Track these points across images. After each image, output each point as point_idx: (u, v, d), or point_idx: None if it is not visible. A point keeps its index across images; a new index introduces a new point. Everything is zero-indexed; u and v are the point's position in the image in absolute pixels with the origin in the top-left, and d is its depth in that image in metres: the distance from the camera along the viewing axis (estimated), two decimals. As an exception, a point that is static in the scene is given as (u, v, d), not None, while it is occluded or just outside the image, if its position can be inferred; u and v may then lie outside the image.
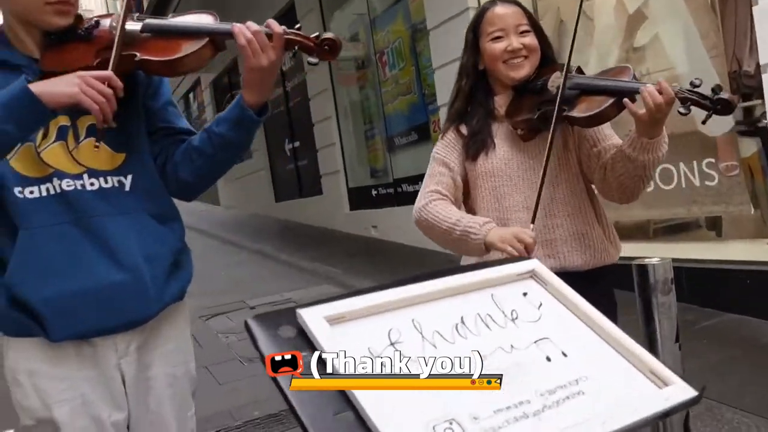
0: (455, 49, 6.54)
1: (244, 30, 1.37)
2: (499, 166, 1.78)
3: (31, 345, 1.40)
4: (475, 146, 1.80)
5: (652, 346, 1.94)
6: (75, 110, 1.37)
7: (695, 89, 1.57)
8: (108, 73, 1.31)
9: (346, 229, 8.85)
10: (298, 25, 1.43)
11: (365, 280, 5.76)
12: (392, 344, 0.89)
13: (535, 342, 0.95)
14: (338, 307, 0.91)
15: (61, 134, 1.41)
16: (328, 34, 1.43)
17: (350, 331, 0.90)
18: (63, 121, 1.41)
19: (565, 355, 0.95)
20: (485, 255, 1.66)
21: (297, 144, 11.42)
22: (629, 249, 5.39)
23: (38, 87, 1.26)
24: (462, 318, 0.96)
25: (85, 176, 1.41)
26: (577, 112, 1.68)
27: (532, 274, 1.09)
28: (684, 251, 4.79)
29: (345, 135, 9.40)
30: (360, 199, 8.95)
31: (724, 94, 1.55)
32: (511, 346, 0.94)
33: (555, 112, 1.64)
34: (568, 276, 1.68)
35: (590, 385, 0.90)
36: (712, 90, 1.56)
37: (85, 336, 1.41)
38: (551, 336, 0.97)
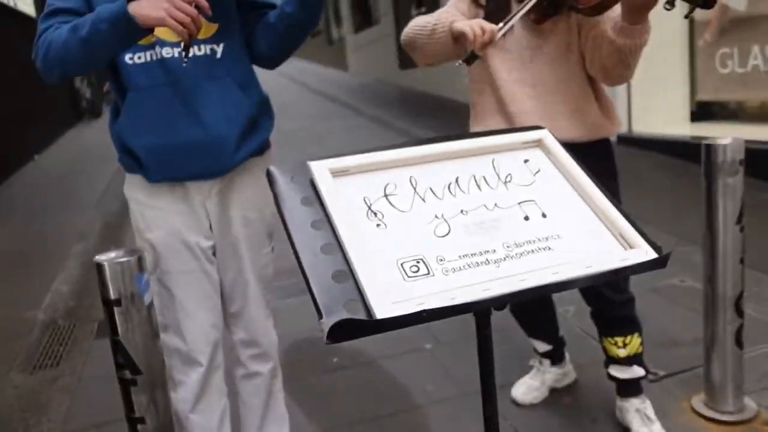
0: None
1: None
2: (512, 44, 1.82)
3: (137, 180, 1.69)
4: (494, 19, 1.74)
5: (710, 225, 1.96)
6: None
7: None
8: None
9: (464, 98, 8.80)
10: None
11: (473, 151, 5.82)
12: (385, 196, 1.03)
13: (519, 203, 1.06)
14: (343, 161, 1.06)
15: None
16: None
17: (352, 183, 1.05)
18: None
19: (544, 216, 1.05)
20: (454, 50, 1.78)
21: (423, 10, 11.17)
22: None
23: (132, 8, 1.41)
24: (457, 178, 1.08)
25: (183, 44, 1.57)
26: (582, 4, 1.68)
27: (539, 144, 1.18)
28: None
29: (469, 0, 9.07)
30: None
31: None
32: (495, 205, 1.05)
33: None
34: (568, 146, 1.75)
35: (559, 243, 1.01)
36: None
37: (174, 179, 1.66)
38: (537, 199, 1.07)
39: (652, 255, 0.98)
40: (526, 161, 1.14)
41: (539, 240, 1.00)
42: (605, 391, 2.16)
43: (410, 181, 1.06)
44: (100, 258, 1.53)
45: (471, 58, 1.69)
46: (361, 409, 2.34)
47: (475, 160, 1.12)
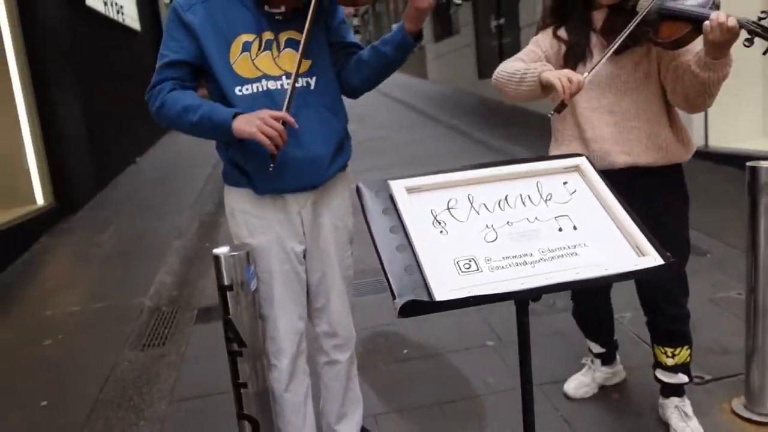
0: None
1: None
2: (597, 69, 1.97)
3: (244, 193, 1.99)
4: (575, 57, 2.02)
5: (754, 240, 2.14)
6: (277, 27, 1.87)
7: (760, 22, 1.66)
8: (282, 113, 1.73)
9: (540, 109, 8.94)
10: None
11: (546, 162, 5.99)
12: (448, 209, 1.32)
13: (555, 217, 1.32)
14: (416, 181, 1.36)
15: (268, 45, 1.91)
16: None
17: (422, 198, 1.34)
18: (268, 35, 1.89)
19: (575, 228, 1.31)
20: (542, 95, 1.94)
21: (502, 21, 11.35)
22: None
23: (236, 122, 1.74)
24: (506, 196, 1.36)
25: (284, 77, 1.87)
26: (661, 38, 1.85)
27: (577, 169, 1.43)
28: None
29: (549, 13, 9.23)
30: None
31: None
32: (536, 218, 1.32)
33: (625, 32, 1.84)
34: (641, 170, 1.94)
35: (585, 251, 1.26)
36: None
37: (278, 192, 1.96)
38: (571, 214, 1.33)
39: (660, 262, 1.22)
40: (565, 183, 1.40)
41: (569, 247, 1.26)
42: (652, 391, 2.35)
43: (468, 197, 1.35)
44: (217, 251, 1.88)
45: (560, 108, 1.87)
46: (426, 395, 2.62)
47: (523, 181, 1.39)
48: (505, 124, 8.75)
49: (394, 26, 1.93)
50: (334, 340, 2.16)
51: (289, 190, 1.95)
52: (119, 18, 8.67)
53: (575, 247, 1.27)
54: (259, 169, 1.89)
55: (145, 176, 7.92)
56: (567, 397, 2.47)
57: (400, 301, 1.13)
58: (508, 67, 2.07)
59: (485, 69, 12.31)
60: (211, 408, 2.72)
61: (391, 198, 1.34)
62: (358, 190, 1.39)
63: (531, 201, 1.36)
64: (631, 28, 1.83)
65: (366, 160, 6.36)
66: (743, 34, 1.71)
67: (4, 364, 3.35)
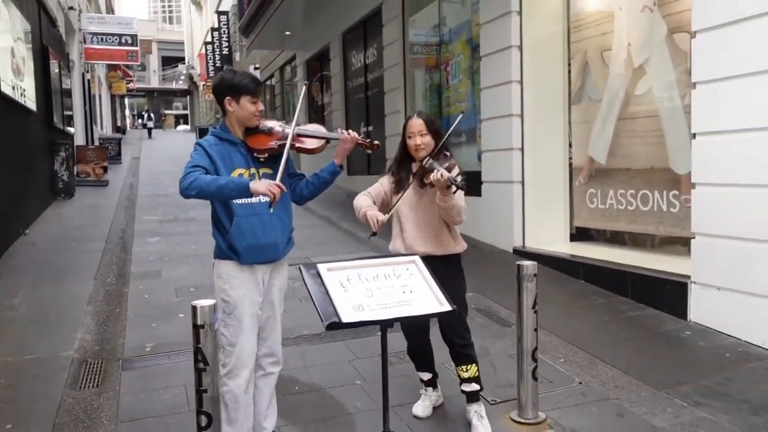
0: (498, 75, 8.23)
1: (347, 136, 3.11)
2: (408, 196, 3.41)
3: (231, 263, 3.07)
4: (398, 187, 3.44)
5: (519, 309, 3.55)
6: (258, 164, 3.07)
7: (456, 178, 3.11)
8: (280, 183, 2.78)
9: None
10: (363, 135, 3.15)
11: (403, 253, 7.40)
12: (348, 279, 2.57)
13: (402, 285, 2.60)
14: (332, 265, 2.60)
15: (252, 176, 3.07)
16: (376, 142, 3.21)
17: (335, 274, 2.58)
18: (253, 170, 3.07)
19: (411, 291, 2.59)
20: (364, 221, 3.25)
21: (371, 128, 13.10)
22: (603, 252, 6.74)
23: (251, 185, 2.80)
24: (377, 274, 2.63)
25: (260, 197, 2.95)
26: (429, 180, 3.27)
27: (413, 262, 2.74)
28: (637, 259, 6.21)
29: (410, 127, 11.00)
30: (415, 183, 10.55)
31: (462, 183, 3.08)
32: (392, 286, 2.59)
33: (411, 181, 3.31)
34: (432, 257, 3.33)
35: (416, 302, 2.55)
36: (461, 178, 3.12)
37: (253, 263, 3.07)
38: (410, 284, 2.62)
39: (449, 308, 2.52)
40: (407, 269, 2.70)
41: (407, 301, 2.54)
42: (464, 407, 3.64)
43: (358, 274, 2.60)
44: (194, 303, 2.97)
45: (372, 235, 3.16)
46: (313, 414, 3.74)
47: (387, 267, 2.67)
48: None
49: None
50: (271, 359, 3.23)
51: (259, 263, 3.10)
52: (21, 99, 9.33)
53: (410, 301, 2.55)
54: (245, 247, 3.01)
55: (39, 248, 8.42)
56: (416, 417, 3.68)
57: (326, 322, 2.34)
58: (358, 201, 3.41)
59: (354, 167, 13.92)
60: (152, 426, 3.65)
61: (318, 273, 2.57)
62: (300, 268, 2.60)
63: (390, 277, 2.64)
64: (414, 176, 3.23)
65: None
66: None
67: (-41, 400, 4.01)
